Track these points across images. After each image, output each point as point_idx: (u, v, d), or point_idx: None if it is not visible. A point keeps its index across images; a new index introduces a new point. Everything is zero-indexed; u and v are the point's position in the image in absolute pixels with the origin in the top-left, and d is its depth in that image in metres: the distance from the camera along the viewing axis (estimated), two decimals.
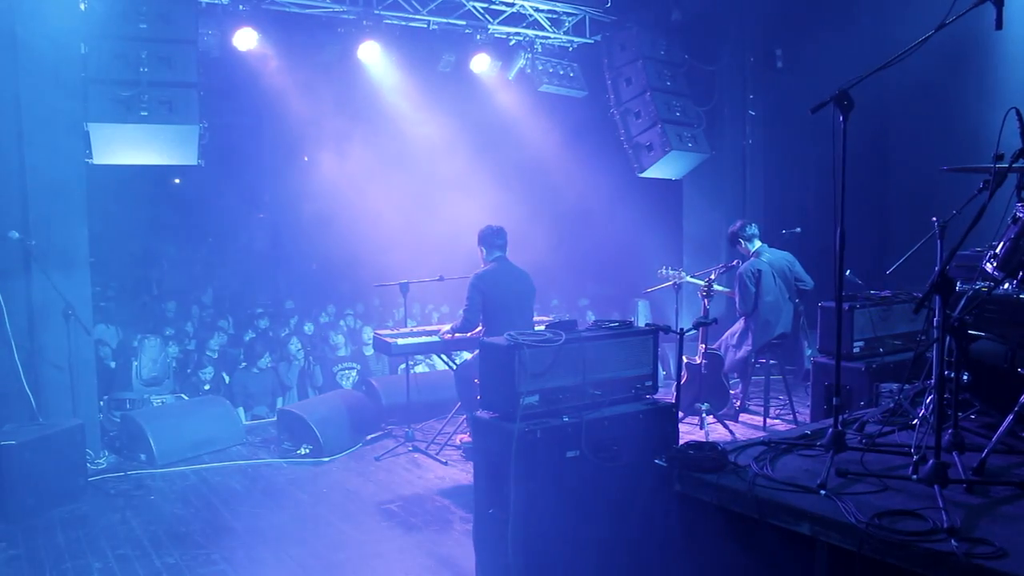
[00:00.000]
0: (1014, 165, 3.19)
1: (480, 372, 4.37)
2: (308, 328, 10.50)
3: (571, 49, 9.64)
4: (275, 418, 7.91)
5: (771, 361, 7.49)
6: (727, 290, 7.66)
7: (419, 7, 8.55)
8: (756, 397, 7.90)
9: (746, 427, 7.36)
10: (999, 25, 3.08)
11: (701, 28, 9.65)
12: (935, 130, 7.79)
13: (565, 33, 9.46)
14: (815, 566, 2.72)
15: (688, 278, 7.66)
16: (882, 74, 3.16)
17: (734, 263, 7.78)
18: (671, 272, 7.75)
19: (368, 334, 9.71)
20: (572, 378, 4.18)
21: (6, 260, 6.29)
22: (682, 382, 6.84)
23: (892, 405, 3.91)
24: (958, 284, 3.27)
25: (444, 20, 8.77)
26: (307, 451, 6.94)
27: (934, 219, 3.21)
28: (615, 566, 4.10)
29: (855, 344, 5.57)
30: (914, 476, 2.86)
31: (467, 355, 7.26)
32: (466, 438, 6.98)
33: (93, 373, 6.90)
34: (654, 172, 9.47)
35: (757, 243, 7.40)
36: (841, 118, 3.08)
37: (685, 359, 6.88)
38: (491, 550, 4.09)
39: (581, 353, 4.21)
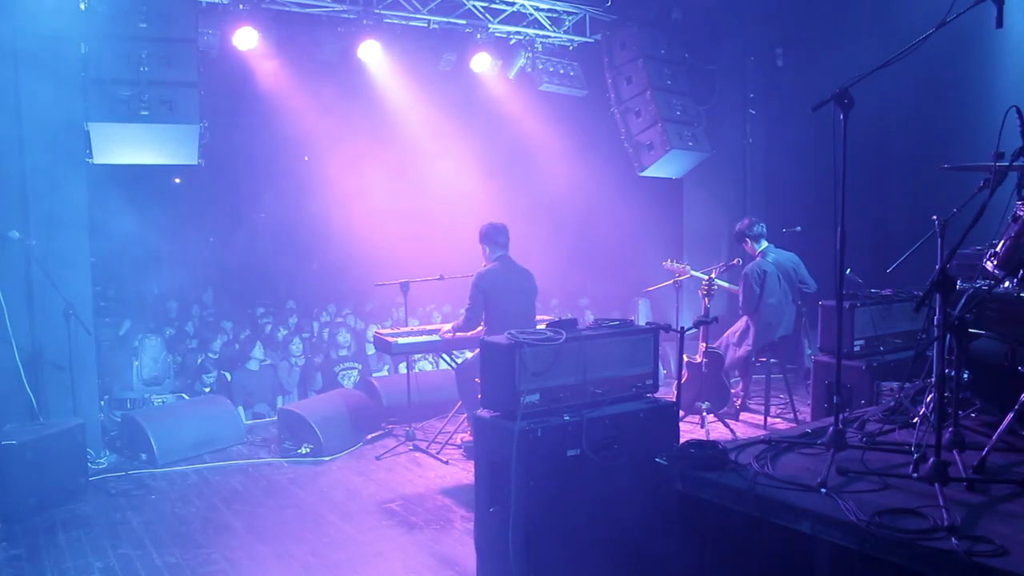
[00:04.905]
0: (1014, 163, 3.19)
1: (481, 371, 4.37)
2: (306, 335, 10.48)
3: (571, 48, 9.64)
4: (276, 417, 7.91)
5: (772, 360, 7.48)
6: (733, 286, 7.63)
7: (419, 6, 8.54)
8: (757, 396, 7.90)
9: (747, 426, 7.37)
10: (999, 23, 3.08)
11: (701, 27, 9.65)
12: (935, 128, 7.78)
13: (565, 32, 9.46)
14: (816, 564, 2.72)
15: (693, 272, 7.66)
16: (883, 72, 3.16)
17: (735, 262, 7.78)
18: (676, 264, 7.75)
19: (370, 333, 9.71)
20: (573, 377, 4.19)
21: (7, 260, 6.29)
22: (683, 381, 6.84)
23: (893, 403, 3.91)
24: (958, 283, 3.26)
25: (444, 19, 8.76)
26: (308, 450, 6.95)
27: (934, 217, 3.21)
28: (616, 564, 4.10)
29: (856, 343, 5.57)
30: (915, 474, 2.86)
31: (468, 354, 7.26)
32: (467, 437, 6.99)
33: (94, 373, 6.91)
34: (654, 171, 9.46)
35: (764, 243, 7.37)
36: (841, 116, 3.08)
37: (686, 358, 6.87)
38: (492, 549, 4.09)
39: (582, 352, 4.21)
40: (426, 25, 8.74)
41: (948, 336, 3.08)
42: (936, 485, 2.74)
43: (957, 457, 3.00)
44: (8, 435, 5.72)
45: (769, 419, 7.41)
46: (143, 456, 6.87)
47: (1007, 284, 3.37)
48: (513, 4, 8.88)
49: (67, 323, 6.43)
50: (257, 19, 7.80)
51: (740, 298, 7.30)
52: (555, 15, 9.32)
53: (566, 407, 4.13)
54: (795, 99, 8.74)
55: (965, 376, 3.41)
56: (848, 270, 6.02)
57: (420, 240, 11.13)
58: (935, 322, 2.99)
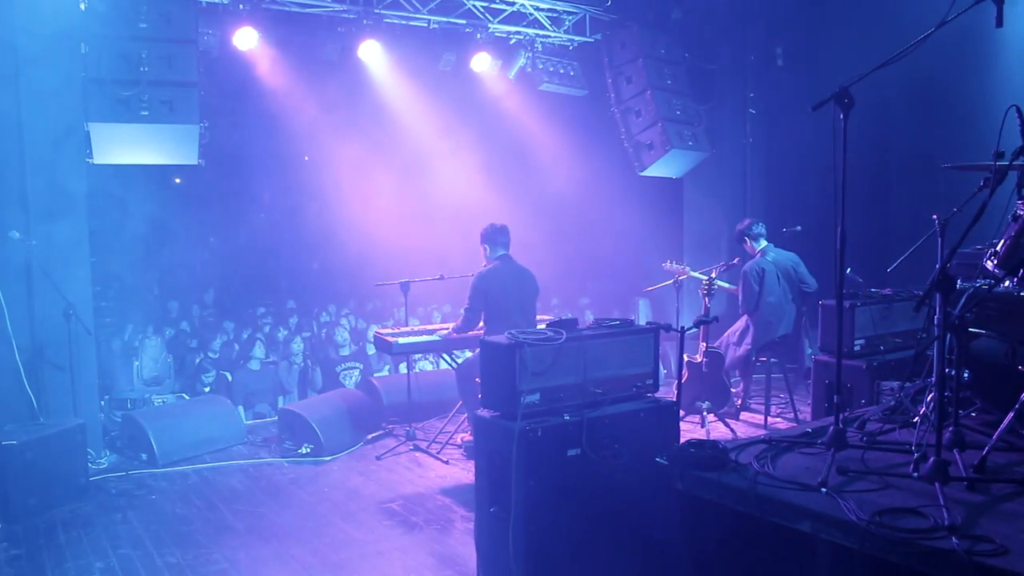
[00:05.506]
0: (1014, 163, 3.19)
1: (481, 371, 4.37)
2: (307, 335, 10.48)
3: (571, 48, 9.64)
4: (276, 417, 7.91)
5: (772, 359, 7.48)
6: (731, 286, 7.64)
7: (419, 6, 8.54)
8: (757, 395, 7.90)
9: (747, 425, 7.37)
10: (999, 23, 3.08)
11: (701, 26, 9.65)
12: (936, 128, 7.77)
13: (565, 32, 9.46)
14: (816, 564, 2.72)
15: (692, 273, 7.67)
16: (883, 72, 3.15)
17: (735, 261, 7.78)
18: (676, 266, 7.76)
19: (371, 333, 9.72)
20: (573, 376, 4.18)
21: (7, 260, 6.29)
22: (683, 380, 6.84)
23: (893, 403, 3.90)
24: (959, 282, 3.26)
25: (444, 19, 8.76)
26: (308, 450, 6.95)
27: (935, 217, 3.20)
28: (616, 564, 4.10)
29: (856, 342, 5.57)
30: (915, 474, 2.85)
31: (468, 354, 7.27)
32: (467, 437, 6.99)
33: (94, 373, 6.91)
34: (655, 171, 9.46)
35: (763, 242, 7.39)
36: (842, 116, 3.07)
37: (686, 357, 6.87)
38: (493, 549, 4.09)
39: (582, 352, 4.21)
40: (426, 25, 8.73)
41: (948, 335, 3.08)
42: (936, 484, 2.74)
43: (957, 456, 3.00)
44: (8, 435, 5.72)
45: (769, 419, 7.41)
46: (143, 456, 6.87)
47: (1007, 283, 3.37)
48: (513, 4, 8.88)
49: (67, 323, 6.43)
50: (257, 19, 7.80)
51: (739, 297, 7.31)
52: (555, 15, 9.32)
53: (566, 407, 4.12)
54: (795, 98, 8.74)
55: (965, 375, 3.41)
56: (848, 270, 6.03)
57: (420, 240, 11.13)
58: (935, 321, 2.99)
